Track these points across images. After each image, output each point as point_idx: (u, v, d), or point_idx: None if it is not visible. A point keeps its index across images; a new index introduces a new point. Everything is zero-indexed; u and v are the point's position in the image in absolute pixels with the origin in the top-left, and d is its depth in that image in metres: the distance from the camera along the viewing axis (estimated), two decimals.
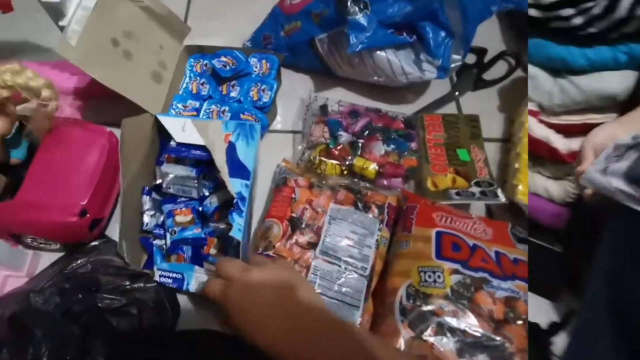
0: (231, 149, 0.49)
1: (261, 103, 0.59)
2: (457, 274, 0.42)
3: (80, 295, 0.43)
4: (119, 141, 0.48)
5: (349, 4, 0.53)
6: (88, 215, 0.47)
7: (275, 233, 0.46)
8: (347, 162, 0.53)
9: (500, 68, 0.68)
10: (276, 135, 0.62)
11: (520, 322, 0.39)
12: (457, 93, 0.66)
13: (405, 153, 0.55)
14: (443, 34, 0.55)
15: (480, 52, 0.69)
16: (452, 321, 0.39)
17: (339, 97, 0.61)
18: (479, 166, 0.54)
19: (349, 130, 0.56)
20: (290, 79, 0.66)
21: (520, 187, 0.52)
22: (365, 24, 0.54)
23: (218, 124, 0.51)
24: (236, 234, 0.44)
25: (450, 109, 0.65)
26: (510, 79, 0.67)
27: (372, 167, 0.53)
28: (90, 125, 0.55)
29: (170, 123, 0.53)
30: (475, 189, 0.52)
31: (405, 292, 0.42)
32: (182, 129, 0.52)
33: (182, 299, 0.48)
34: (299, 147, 0.57)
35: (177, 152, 0.52)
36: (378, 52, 0.56)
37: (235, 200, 0.46)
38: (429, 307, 0.40)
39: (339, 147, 0.54)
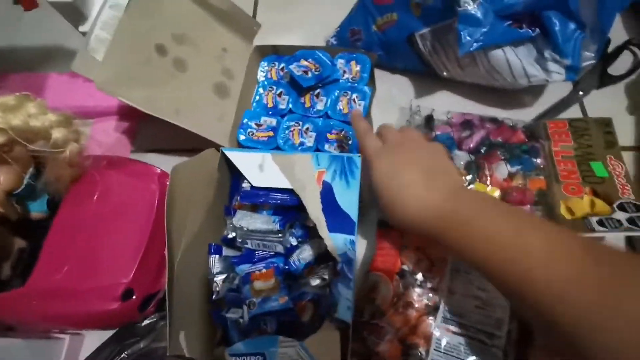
0: (327, 192, 0.39)
1: None
2: None
3: None
4: (167, 194, 0.34)
5: None
6: (135, 296, 0.36)
7: (384, 294, 0.39)
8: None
9: (625, 61, 0.58)
10: None
11: None
12: (581, 93, 0.56)
13: (531, 173, 0.48)
14: (573, 26, 0.45)
15: (606, 43, 0.59)
16: None
17: (443, 103, 0.53)
18: (620, 183, 0.46)
19: (462, 147, 0.49)
20: (387, 84, 0.57)
21: None
22: (481, 16, 0.44)
23: (307, 158, 0.41)
24: (344, 314, 0.34)
25: (573, 112, 0.55)
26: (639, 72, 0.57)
27: (496, 194, 0.45)
28: (135, 165, 0.43)
29: (244, 160, 0.42)
30: (621, 215, 0.44)
31: None
32: (260, 168, 0.41)
33: None
34: None
35: (254, 198, 0.42)
36: (495, 51, 0.47)
37: (339, 266, 0.36)
38: None
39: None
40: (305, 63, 0.54)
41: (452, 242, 0.32)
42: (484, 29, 0.45)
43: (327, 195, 0.38)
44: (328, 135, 0.51)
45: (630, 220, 0.43)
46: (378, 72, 0.56)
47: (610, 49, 0.58)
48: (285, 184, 0.40)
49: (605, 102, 0.55)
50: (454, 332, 0.38)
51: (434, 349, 0.37)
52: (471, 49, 0.44)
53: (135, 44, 0.43)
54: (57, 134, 0.36)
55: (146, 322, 0.39)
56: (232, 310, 0.40)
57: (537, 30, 0.46)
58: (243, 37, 0.56)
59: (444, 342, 0.37)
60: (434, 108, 0.52)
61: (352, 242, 0.37)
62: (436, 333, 0.37)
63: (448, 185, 0.35)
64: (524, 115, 0.55)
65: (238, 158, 0.42)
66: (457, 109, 0.53)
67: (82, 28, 0.45)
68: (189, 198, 0.38)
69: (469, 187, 0.40)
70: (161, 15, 0.46)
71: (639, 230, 0.42)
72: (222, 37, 0.53)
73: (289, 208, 0.41)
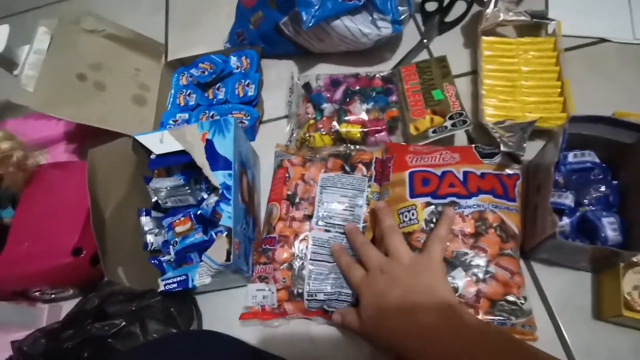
0: (209, 146, 0.50)
1: (247, 98, 0.65)
2: (429, 206, 0.46)
3: (71, 331, 0.43)
4: (87, 173, 0.45)
5: None
6: (84, 252, 0.47)
7: (275, 214, 0.51)
8: (333, 130, 0.58)
9: (460, 7, 0.71)
10: (271, 125, 0.67)
11: (491, 230, 0.44)
12: (425, 41, 0.69)
13: (386, 107, 0.60)
14: None
15: None
16: None
17: (322, 73, 0.66)
18: (452, 101, 0.58)
19: (331, 100, 0.61)
20: (276, 68, 0.70)
21: (486, 110, 0.56)
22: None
23: (194, 127, 0.52)
24: (225, 221, 0.46)
25: (423, 57, 0.68)
26: (469, 15, 0.70)
27: (356, 128, 0.58)
28: (68, 164, 0.55)
29: (147, 139, 0.53)
30: (448, 122, 0.56)
31: None
32: (160, 141, 0.53)
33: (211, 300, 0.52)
34: (288, 129, 0.62)
35: (160, 163, 0.54)
36: (335, 22, 0.60)
37: (220, 191, 0.47)
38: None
39: (324, 119, 0.59)
40: (203, 66, 0.68)
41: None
42: (317, 6, 0.57)
43: (210, 148, 0.50)
44: (229, 115, 0.64)
45: (453, 124, 0.55)
46: (269, 61, 0.70)
47: (446, 3, 0.72)
48: (180, 148, 0.51)
49: (447, 44, 0.68)
50: (325, 230, 0.50)
51: (312, 244, 0.49)
52: (310, 24, 0.57)
53: (58, 76, 0.55)
54: (5, 144, 0.48)
55: (106, 280, 0.47)
56: (165, 255, 0.53)
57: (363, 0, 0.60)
58: (152, 57, 0.70)
59: (318, 240, 0.49)
60: (308, 74, 0.65)
61: (230, 175, 0.49)
62: (312, 234, 0.49)
63: (430, 309, 0.38)
64: (387, 67, 0.68)
65: (144, 138, 0.54)
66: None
67: (15, 72, 0.56)
68: (108, 173, 0.49)
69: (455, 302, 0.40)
70: (77, 52, 0.59)
71: (457, 129, 0.54)
72: (133, 60, 0.67)
73: (192, 167, 0.52)
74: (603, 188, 0.47)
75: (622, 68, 0.61)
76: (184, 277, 0.48)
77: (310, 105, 0.62)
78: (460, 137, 0.60)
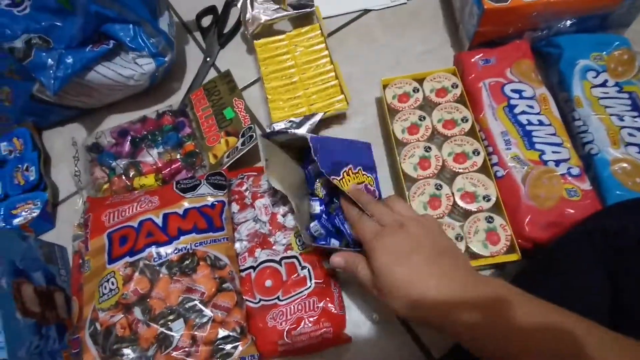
0: None
1: (30, 183, 0.57)
2: (126, 267, 0.41)
3: None
4: None
5: (22, 52, 0.50)
6: None
7: (74, 311, 0.46)
8: (129, 188, 0.54)
9: (235, 15, 0.70)
10: (73, 201, 0.59)
11: (201, 268, 0.42)
12: (208, 59, 0.66)
13: (180, 143, 0.57)
14: (130, 26, 0.54)
15: (211, 10, 0.70)
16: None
17: (113, 124, 0.60)
18: (242, 116, 0.57)
19: (122, 155, 0.56)
20: (61, 137, 0.63)
21: (275, 113, 0.56)
22: (48, 60, 0.50)
23: None
24: None
25: (213, 75, 0.65)
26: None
27: (150, 179, 0.53)
28: None
29: None
30: (240, 141, 0.54)
31: (90, 318, 0.40)
32: None
33: None
34: (80, 204, 0.56)
35: None
36: (88, 74, 0.54)
37: None
38: (110, 320, 0.39)
39: (115, 179, 0.54)
40: None
41: (460, 330, 0.31)
42: (55, 67, 0.51)
43: None
44: (14, 211, 0.56)
45: (243, 142, 0.53)
46: (49, 133, 0.62)
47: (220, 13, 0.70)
48: None
49: (231, 55, 0.67)
50: None
51: None
52: (57, 88, 0.51)
53: None
54: None
55: None
56: None
57: (112, 42, 0.55)
58: None
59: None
60: (99, 133, 0.58)
61: None
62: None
63: (455, 272, 0.34)
64: (179, 97, 0.64)
65: None
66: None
67: None
68: None
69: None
70: None
71: (248, 146, 0.52)
72: None
73: None
74: None
75: (385, 33, 0.65)
76: None
77: (101, 167, 0.56)
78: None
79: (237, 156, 0.52)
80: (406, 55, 0.62)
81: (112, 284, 0.40)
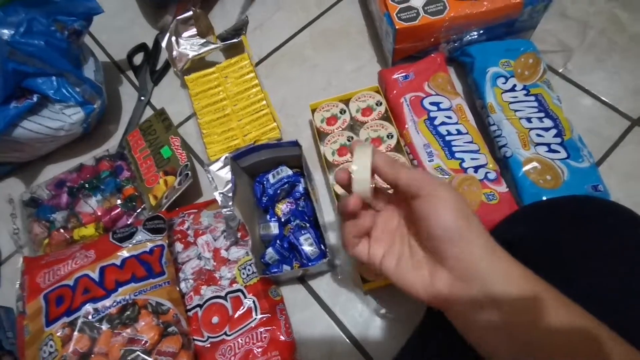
0: None
1: None
2: (65, 328, 0.40)
3: None
4: None
5: None
6: None
7: None
8: (70, 242, 0.53)
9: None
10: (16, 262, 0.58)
11: (143, 316, 0.42)
12: (142, 98, 0.67)
13: (119, 188, 0.57)
14: (54, 78, 0.54)
15: (142, 47, 0.70)
16: None
17: (48, 176, 0.59)
18: (179, 154, 0.57)
19: (61, 207, 0.56)
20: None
21: (210, 148, 0.57)
22: None
23: None
24: None
25: (149, 113, 0.65)
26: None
27: (90, 229, 0.53)
28: None
29: None
30: (177, 181, 0.55)
31: None
32: None
33: None
34: (20, 265, 0.55)
35: None
36: (14, 131, 0.53)
37: None
38: None
39: (54, 233, 0.54)
40: None
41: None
42: None
43: None
44: None
45: (180, 182, 0.54)
46: None
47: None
48: None
49: (166, 92, 0.67)
50: None
51: None
52: None
53: None
54: None
55: None
56: None
57: (36, 95, 0.54)
58: None
59: None
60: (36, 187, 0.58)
61: None
62: None
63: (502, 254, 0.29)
64: (117, 139, 0.64)
65: None
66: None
67: None
68: None
69: None
70: None
71: (184, 185, 0.53)
72: None
73: None
74: (300, 200, 0.52)
75: (316, 54, 0.67)
76: None
77: (39, 222, 0.55)
78: (205, 184, 0.60)
79: (175, 196, 0.53)
80: (337, 75, 0.64)
81: (51, 347, 0.40)
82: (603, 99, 0.57)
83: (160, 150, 0.59)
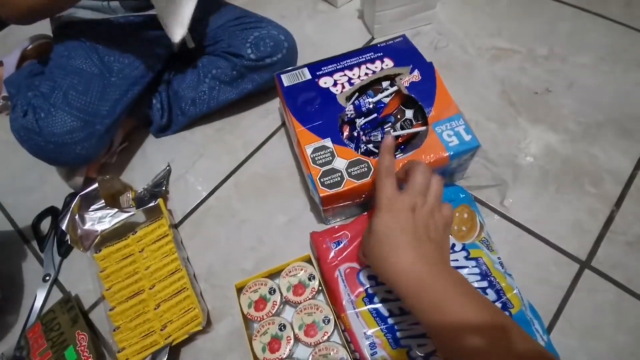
0: None
1: None
2: None
3: None
4: None
5: None
6: None
7: None
8: None
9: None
10: None
11: None
12: (47, 278, 0.58)
13: None
14: None
15: (50, 211, 0.63)
16: None
17: None
18: (85, 358, 0.48)
19: None
20: None
21: (125, 351, 0.48)
22: None
23: None
24: None
25: (57, 295, 0.56)
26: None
27: None
28: None
29: None
30: None
31: None
32: None
33: None
34: None
35: None
36: None
37: None
38: None
39: None
40: None
41: (418, 307, 0.35)
42: None
43: None
44: None
45: None
46: None
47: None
48: None
49: (78, 267, 0.58)
50: None
51: None
52: None
53: None
54: None
55: None
56: None
57: None
58: None
59: None
60: None
61: None
62: None
63: (433, 258, 0.37)
64: (15, 337, 0.54)
65: None
66: None
67: None
68: None
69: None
70: None
71: None
72: None
73: None
74: None
75: (245, 206, 0.61)
76: None
77: None
78: None
79: None
80: (268, 230, 0.58)
81: None
82: (546, 237, 0.54)
83: (64, 352, 0.50)
